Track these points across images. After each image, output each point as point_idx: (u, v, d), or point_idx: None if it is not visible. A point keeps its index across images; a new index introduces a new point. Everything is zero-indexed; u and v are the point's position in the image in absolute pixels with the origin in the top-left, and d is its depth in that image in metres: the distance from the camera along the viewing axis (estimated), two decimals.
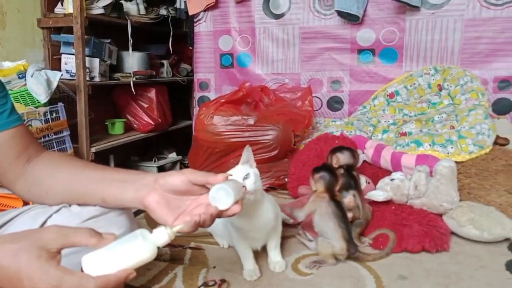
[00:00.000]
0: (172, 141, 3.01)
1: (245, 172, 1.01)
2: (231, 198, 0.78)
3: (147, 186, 0.81)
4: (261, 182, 1.06)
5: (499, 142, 1.79)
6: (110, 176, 0.87)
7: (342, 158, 1.45)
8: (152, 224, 1.57)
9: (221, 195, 0.78)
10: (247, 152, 1.04)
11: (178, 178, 0.80)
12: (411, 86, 2.20)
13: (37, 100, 1.96)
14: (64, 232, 0.61)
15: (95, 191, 0.85)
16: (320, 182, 1.25)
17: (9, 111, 0.87)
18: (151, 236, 0.66)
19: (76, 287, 0.57)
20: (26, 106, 1.93)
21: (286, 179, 1.94)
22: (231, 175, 0.88)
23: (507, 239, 1.37)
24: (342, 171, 1.40)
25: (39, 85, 1.95)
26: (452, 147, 1.73)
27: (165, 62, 2.97)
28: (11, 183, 0.88)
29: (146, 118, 2.66)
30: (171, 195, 0.81)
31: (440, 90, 2.15)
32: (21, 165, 0.87)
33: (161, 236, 0.67)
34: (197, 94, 2.68)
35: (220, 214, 0.79)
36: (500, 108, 2.11)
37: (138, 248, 0.63)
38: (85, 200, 0.87)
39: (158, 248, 0.66)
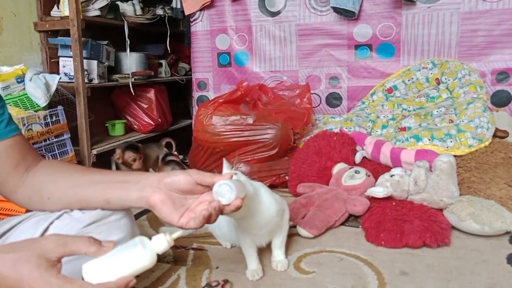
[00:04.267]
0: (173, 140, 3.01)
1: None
2: (234, 193, 0.82)
3: (151, 186, 0.83)
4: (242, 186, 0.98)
5: (498, 134, 1.79)
6: (112, 178, 0.89)
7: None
8: (154, 226, 1.58)
9: (224, 190, 0.82)
10: (225, 164, 1.06)
11: (184, 178, 0.83)
12: (409, 80, 2.21)
13: (37, 104, 1.96)
14: (64, 240, 0.62)
15: (98, 193, 0.86)
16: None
17: (7, 121, 0.88)
18: (150, 244, 0.67)
19: None
20: (25, 110, 1.94)
21: (286, 177, 1.95)
22: (236, 173, 0.90)
23: (507, 233, 1.38)
24: None
25: (38, 89, 1.95)
26: (451, 141, 1.74)
27: (163, 62, 2.97)
28: (10, 193, 0.89)
29: (146, 119, 2.67)
30: (176, 194, 0.83)
31: (438, 84, 2.15)
32: (20, 174, 0.88)
33: (160, 244, 0.68)
34: (196, 94, 2.68)
35: (223, 209, 0.82)
36: (499, 100, 2.11)
37: (138, 256, 0.64)
38: (87, 203, 0.87)
39: (158, 255, 0.67)
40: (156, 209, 0.82)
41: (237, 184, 0.84)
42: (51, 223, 0.86)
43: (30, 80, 1.96)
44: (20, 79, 2.00)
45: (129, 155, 2.13)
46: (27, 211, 1.53)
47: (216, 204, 0.80)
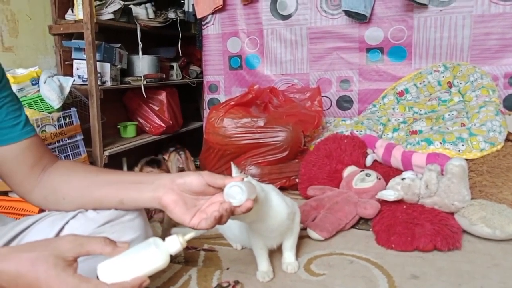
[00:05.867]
0: (183, 142, 3.03)
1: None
2: (244, 195, 0.82)
3: (164, 186, 0.84)
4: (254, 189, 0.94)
5: (511, 138, 1.78)
6: (125, 178, 0.90)
7: None
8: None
9: (234, 192, 0.83)
10: (234, 168, 1.06)
11: (196, 180, 0.84)
12: (420, 83, 2.20)
13: (51, 106, 1.99)
14: (80, 241, 0.63)
15: (112, 193, 0.88)
16: None
17: (24, 122, 0.89)
18: (164, 244, 0.68)
19: None
20: (40, 112, 1.97)
21: (296, 180, 1.96)
22: (247, 176, 0.91)
23: None
24: None
25: (52, 91, 1.98)
26: (463, 145, 1.73)
27: (174, 64, 3.00)
28: (27, 193, 0.91)
29: (158, 121, 2.69)
30: (188, 195, 0.84)
31: (450, 87, 2.14)
32: (36, 174, 0.90)
33: (174, 244, 0.69)
34: (207, 97, 2.70)
35: (234, 210, 0.83)
36: (511, 104, 2.10)
37: (152, 256, 0.66)
38: (102, 203, 0.89)
39: (171, 255, 0.68)
40: (169, 209, 0.83)
41: (248, 186, 0.85)
42: (67, 222, 0.88)
43: (45, 82, 1.99)
44: (35, 81, 2.03)
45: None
46: (41, 211, 1.55)
47: (227, 206, 0.81)
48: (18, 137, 0.87)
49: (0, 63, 0.88)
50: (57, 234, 0.87)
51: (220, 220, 0.81)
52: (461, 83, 2.10)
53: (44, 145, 0.95)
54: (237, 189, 0.83)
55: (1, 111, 0.86)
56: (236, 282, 1.14)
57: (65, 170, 0.92)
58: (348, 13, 2.25)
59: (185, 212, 0.82)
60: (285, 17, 2.42)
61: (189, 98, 3.22)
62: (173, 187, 0.84)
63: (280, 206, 1.09)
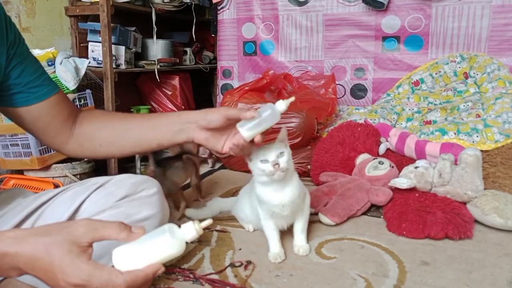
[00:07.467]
0: None
1: (280, 150, 1.09)
2: (249, 132, 0.95)
3: (192, 129, 0.95)
4: (292, 162, 1.13)
5: None
6: (157, 121, 0.98)
7: None
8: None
9: (244, 124, 0.95)
10: (284, 132, 1.14)
11: (215, 116, 0.94)
12: (436, 74, 2.18)
13: (66, 87, 2.01)
14: (94, 226, 0.63)
15: (149, 137, 0.96)
16: None
17: (48, 79, 0.93)
18: (179, 232, 0.67)
19: (105, 281, 0.59)
20: None
21: (309, 166, 1.96)
22: (259, 107, 1.01)
23: None
24: None
25: (68, 73, 2.00)
26: (477, 136, 1.72)
27: (188, 49, 3.00)
28: (62, 144, 0.95)
29: (170, 105, 2.71)
30: (213, 130, 0.96)
31: (466, 78, 2.12)
32: (69, 127, 0.94)
33: (189, 232, 0.67)
34: (220, 82, 2.70)
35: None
36: None
37: (166, 244, 0.64)
38: (141, 146, 0.97)
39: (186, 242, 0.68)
40: (203, 144, 0.97)
41: (257, 122, 0.94)
42: (88, 196, 0.90)
43: (61, 63, 2.01)
44: (51, 62, 2.05)
45: None
46: (55, 187, 1.57)
47: (242, 141, 0.95)
48: (47, 94, 0.91)
49: (14, 24, 0.88)
50: (78, 208, 0.89)
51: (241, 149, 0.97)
52: (477, 74, 2.07)
53: (69, 99, 1.00)
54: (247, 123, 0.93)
55: (26, 71, 0.87)
56: (249, 262, 1.15)
57: (97, 119, 0.97)
58: (365, 1, 2.22)
59: (216, 144, 0.97)
60: (301, 3, 2.41)
61: (201, 83, 3.23)
62: (200, 127, 0.94)
63: (296, 181, 1.15)
